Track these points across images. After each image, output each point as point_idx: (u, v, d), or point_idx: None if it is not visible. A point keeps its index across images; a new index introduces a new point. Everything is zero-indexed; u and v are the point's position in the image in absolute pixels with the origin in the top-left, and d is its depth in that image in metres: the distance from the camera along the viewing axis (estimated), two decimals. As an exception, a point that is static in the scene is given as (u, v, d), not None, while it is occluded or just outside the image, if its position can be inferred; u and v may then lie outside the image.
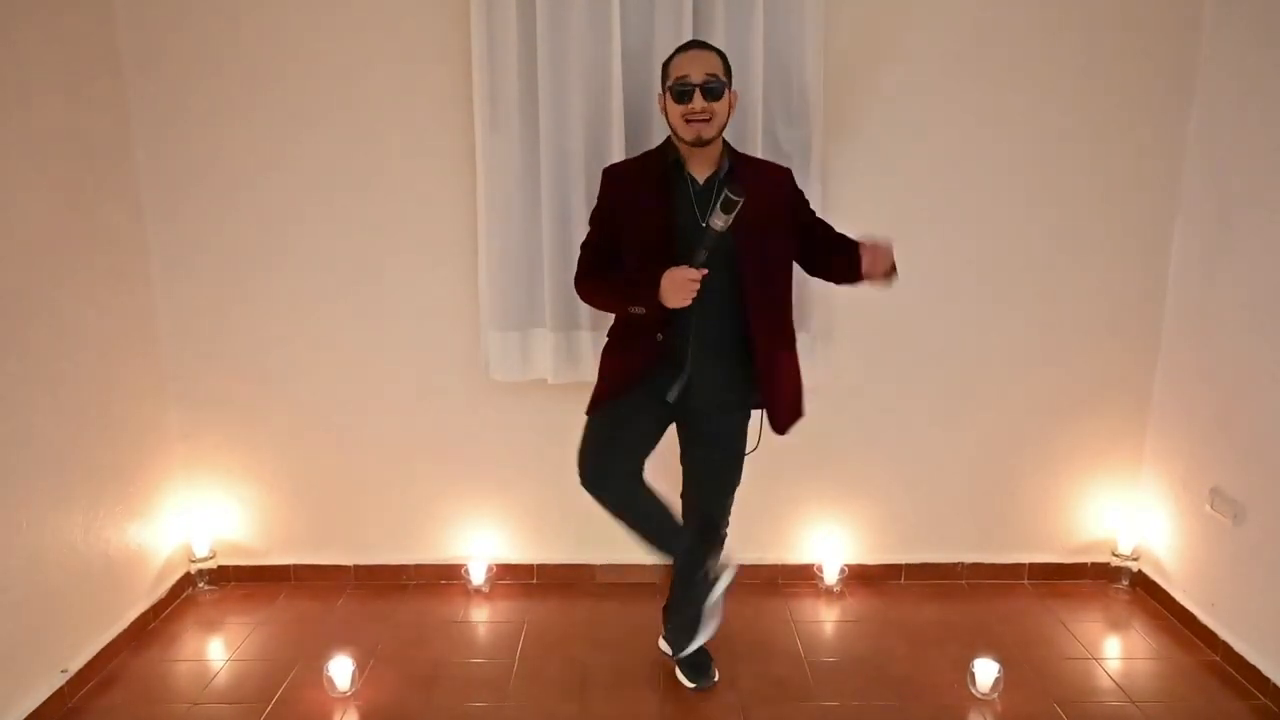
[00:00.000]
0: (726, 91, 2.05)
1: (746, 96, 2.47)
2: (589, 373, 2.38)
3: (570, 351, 2.63)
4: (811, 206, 2.30)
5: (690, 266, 1.94)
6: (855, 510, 2.93)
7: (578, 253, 2.25)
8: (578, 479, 2.16)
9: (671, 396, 2.08)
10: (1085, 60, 2.60)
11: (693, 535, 2.22)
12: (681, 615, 2.24)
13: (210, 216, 2.70)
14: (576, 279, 2.24)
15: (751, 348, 2.13)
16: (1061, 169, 2.67)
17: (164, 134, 2.64)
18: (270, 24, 2.58)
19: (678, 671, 2.39)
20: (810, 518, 2.93)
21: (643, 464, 2.19)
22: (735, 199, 1.87)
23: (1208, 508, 2.56)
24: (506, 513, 2.93)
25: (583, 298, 2.26)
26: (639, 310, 2.06)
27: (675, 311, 2.01)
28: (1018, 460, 2.89)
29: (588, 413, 2.22)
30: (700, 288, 1.95)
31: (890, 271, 2.08)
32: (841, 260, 2.14)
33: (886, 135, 2.65)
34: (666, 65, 2.11)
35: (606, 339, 2.28)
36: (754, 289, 2.09)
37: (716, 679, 2.37)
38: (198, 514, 2.91)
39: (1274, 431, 2.32)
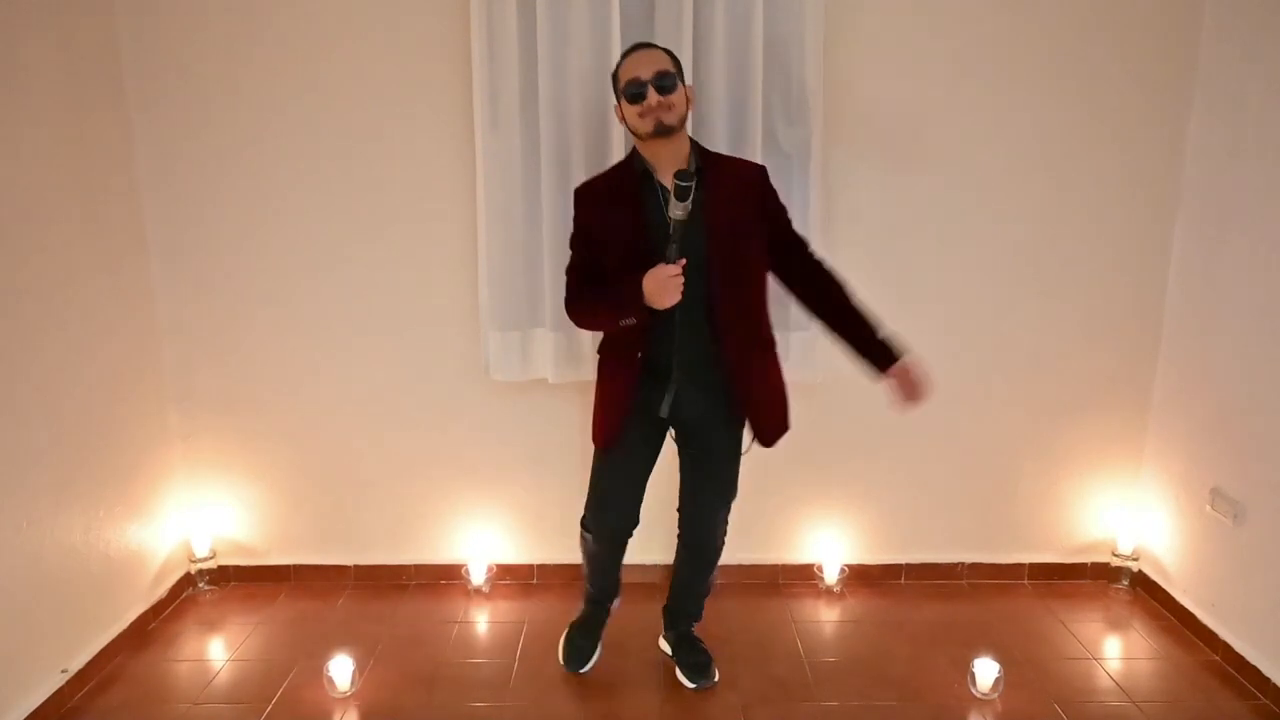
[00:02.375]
0: (680, 85, 2.00)
1: (746, 96, 2.47)
2: (589, 372, 2.38)
3: (570, 351, 2.63)
4: (789, 217, 2.18)
5: (666, 263, 1.91)
6: (855, 510, 2.93)
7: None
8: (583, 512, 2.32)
9: (664, 411, 2.09)
10: (1085, 59, 2.60)
11: (687, 558, 2.36)
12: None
13: (210, 216, 2.70)
14: (566, 303, 2.19)
15: (726, 357, 2.08)
16: (1061, 168, 2.67)
17: (164, 134, 2.64)
18: (270, 25, 2.58)
19: (678, 671, 2.40)
20: (810, 518, 2.93)
21: (638, 508, 2.26)
22: (685, 183, 1.84)
23: (1208, 508, 2.56)
24: (506, 513, 2.93)
25: (576, 322, 2.21)
26: (630, 322, 2.00)
27: (658, 321, 2.00)
28: (1018, 460, 2.89)
29: (594, 443, 2.24)
30: (685, 283, 1.92)
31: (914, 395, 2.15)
32: (851, 329, 2.15)
33: (886, 135, 2.64)
34: (615, 74, 2.06)
35: (598, 356, 2.25)
36: (723, 292, 2.03)
37: (716, 679, 2.37)
38: (198, 514, 2.91)
39: (1274, 431, 2.32)
